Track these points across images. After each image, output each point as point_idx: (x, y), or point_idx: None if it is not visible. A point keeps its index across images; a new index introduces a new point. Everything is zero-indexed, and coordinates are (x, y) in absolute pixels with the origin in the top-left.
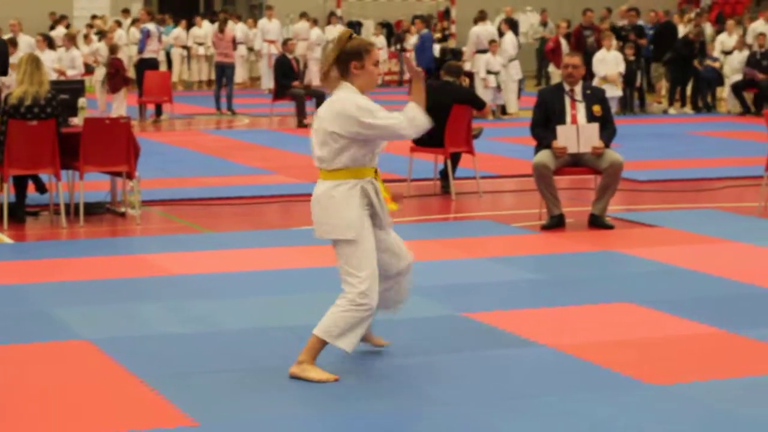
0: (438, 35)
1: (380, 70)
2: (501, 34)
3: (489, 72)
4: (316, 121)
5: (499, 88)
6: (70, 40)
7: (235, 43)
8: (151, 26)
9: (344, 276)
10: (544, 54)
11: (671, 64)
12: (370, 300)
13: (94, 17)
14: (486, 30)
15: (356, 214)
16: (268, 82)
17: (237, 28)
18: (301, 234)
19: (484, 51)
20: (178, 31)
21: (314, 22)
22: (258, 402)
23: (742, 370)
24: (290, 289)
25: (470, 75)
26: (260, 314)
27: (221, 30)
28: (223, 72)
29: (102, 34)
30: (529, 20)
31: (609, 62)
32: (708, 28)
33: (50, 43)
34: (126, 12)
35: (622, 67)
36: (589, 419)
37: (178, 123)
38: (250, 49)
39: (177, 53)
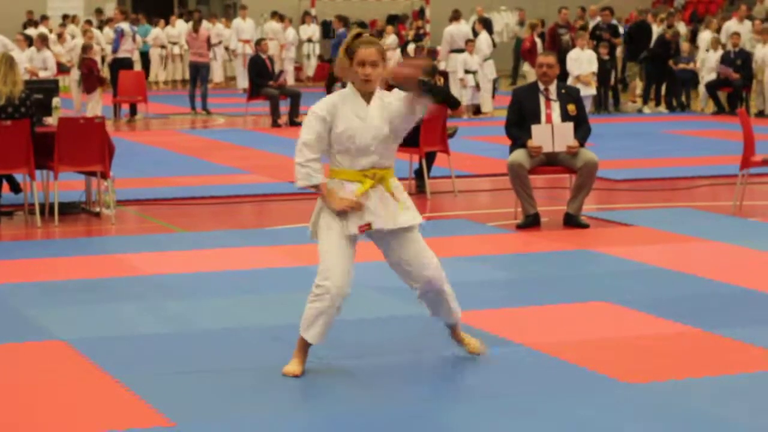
0: (412, 34)
1: (367, 71)
2: (475, 33)
3: (467, 71)
4: None
5: (477, 87)
6: (42, 41)
7: (209, 43)
8: (125, 26)
9: None
10: (521, 53)
11: (647, 63)
12: (324, 290)
13: (65, 17)
14: (460, 29)
15: (316, 215)
16: (243, 81)
17: (215, 28)
18: (276, 233)
19: (458, 50)
20: (157, 31)
21: (289, 22)
22: (234, 402)
23: (718, 369)
24: (265, 288)
25: (445, 74)
26: (236, 314)
27: (195, 30)
28: (198, 71)
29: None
30: (503, 20)
31: (583, 61)
32: (682, 28)
33: (30, 43)
34: (99, 12)
35: (595, 67)
36: (565, 418)
37: (153, 123)
38: (226, 49)
39: (156, 53)
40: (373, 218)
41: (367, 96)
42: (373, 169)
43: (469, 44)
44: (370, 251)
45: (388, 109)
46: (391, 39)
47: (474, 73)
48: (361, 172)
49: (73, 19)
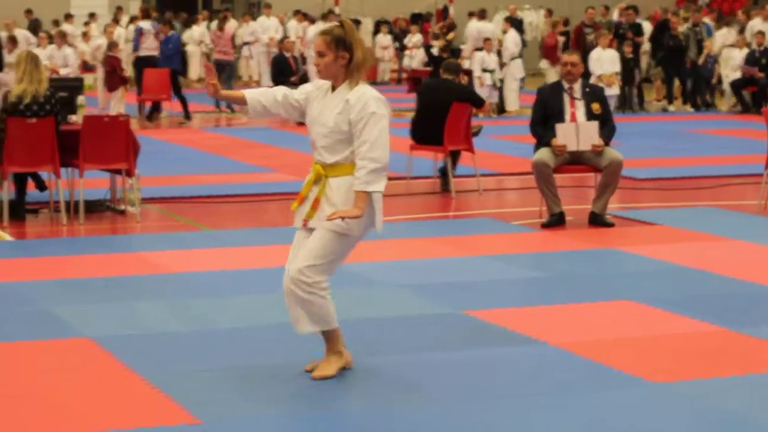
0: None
1: (316, 61)
2: (504, 32)
3: (484, 70)
4: None
5: (494, 85)
6: (62, 37)
7: (234, 41)
8: (145, 24)
9: None
10: (541, 50)
11: (664, 61)
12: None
13: (92, 15)
14: (485, 27)
15: None
16: (267, 80)
17: (248, 27)
18: None
19: (480, 49)
20: (203, 30)
21: (312, 21)
22: (260, 399)
23: (744, 368)
24: None
25: (469, 73)
26: (260, 312)
27: (220, 28)
28: (222, 70)
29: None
30: (528, 18)
31: (605, 61)
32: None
33: (51, 41)
34: (120, 10)
35: (618, 67)
36: (589, 417)
37: (177, 121)
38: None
39: (198, 51)
40: (309, 214)
41: (334, 88)
42: (319, 163)
43: (487, 42)
44: (398, 250)
45: (348, 116)
46: (416, 38)
47: (491, 71)
48: (315, 162)
49: (93, 17)
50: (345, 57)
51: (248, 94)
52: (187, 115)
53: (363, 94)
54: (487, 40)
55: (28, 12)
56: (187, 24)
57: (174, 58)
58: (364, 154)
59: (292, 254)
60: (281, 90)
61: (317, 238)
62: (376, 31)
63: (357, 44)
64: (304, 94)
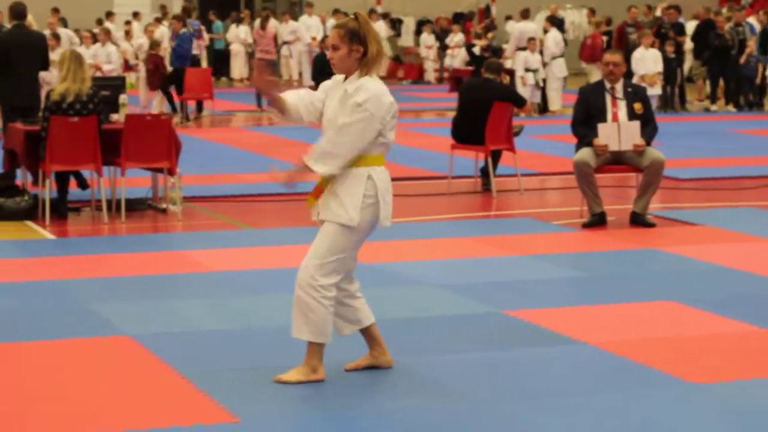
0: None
1: (330, 55)
2: (545, 31)
3: (527, 69)
4: None
5: (537, 85)
6: (106, 34)
7: (276, 40)
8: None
9: None
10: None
11: (709, 61)
12: None
13: (136, 14)
14: (528, 27)
15: None
16: (308, 79)
17: (288, 26)
18: None
19: (525, 48)
20: (245, 29)
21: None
22: (297, 398)
23: None
24: None
25: (511, 72)
26: None
27: (263, 27)
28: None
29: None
30: (570, 17)
31: (648, 61)
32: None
33: (95, 40)
34: (164, 9)
35: (660, 67)
36: (629, 417)
37: (218, 119)
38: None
39: (242, 51)
40: (320, 207)
41: (345, 81)
42: None
43: (531, 42)
44: (439, 250)
45: (344, 105)
46: (458, 37)
47: (535, 71)
48: None
49: (137, 16)
50: (359, 50)
51: (289, 99)
52: (174, 108)
53: (362, 85)
54: (531, 39)
55: (55, 11)
56: (237, 22)
57: (184, 58)
58: (330, 136)
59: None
60: (312, 95)
61: (323, 234)
62: (419, 31)
63: (371, 38)
64: (324, 92)
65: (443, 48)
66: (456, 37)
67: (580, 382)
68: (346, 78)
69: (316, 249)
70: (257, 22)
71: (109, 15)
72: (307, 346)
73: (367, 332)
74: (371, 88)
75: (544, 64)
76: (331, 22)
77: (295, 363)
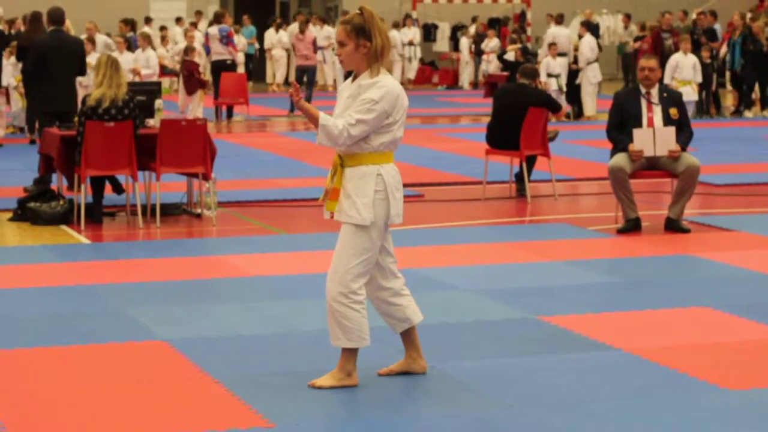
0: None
1: (337, 51)
2: (579, 37)
3: (549, 75)
4: None
5: (560, 90)
6: (146, 40)
7: (315, 46)
8: (212, 29)
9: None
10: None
11: (745, 66)
12: None
13: (178, 20)
14: (562, 32)
15: None
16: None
17: (323, 30)
18: None
19: (561, 54)
20: (284, 34)
21: (393, 25)
22: (333, 403)
23: None
24: None
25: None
26: None
27: (302, 31)
28: (304, 74)
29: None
30: (605, 23)
31: (685, 67)
32: None
33: (129, 45)
34: (199, 14)
35: (699, 76)
36: (664, 424)
37: (253, 125)
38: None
39: (282, 55)
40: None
41: (356, 77)
42: (337, 153)
43: (552, 47)
44: (473, 255)
45: (356, 99)
46: (493, 43)
47: (557, 76)
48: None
49: (180, 21)
50: (366, 46)
51: (322, 120)
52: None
53: (378, 82)
54: (551, 45)
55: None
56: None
57: None
58: (345, 123)
59: None
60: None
61: (340, 241)
62: (453, 36)
63: (377, 31)
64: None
65: (479, 53)
66: (491, 43)
67: (613, 388)
68: (355, 76)
69: (340, 257)
70: (294, 26)
71: (148, 20)
72: (342, 351)
73: (407, 334)
74: (387, 84)
75: (578, 70)
76: None
77: (330, 367)
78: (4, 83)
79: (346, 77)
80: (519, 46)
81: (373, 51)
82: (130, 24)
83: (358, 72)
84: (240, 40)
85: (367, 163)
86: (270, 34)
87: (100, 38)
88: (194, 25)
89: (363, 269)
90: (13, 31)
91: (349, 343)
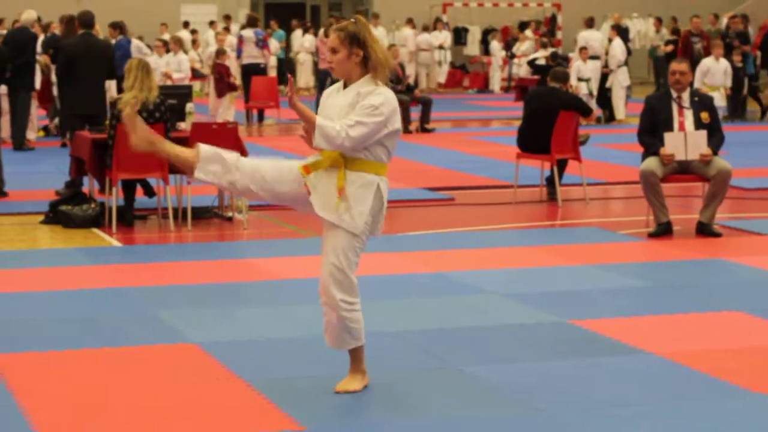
0: (544, 40)
1: (329, 58)
2: (609, 40)
3: (580, 79)
4: None
5: (591, 94)
6: (177, 43)
7: None
8: (246, 32)
9: None
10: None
11: None
12: None
13: (212, 23)
14: (594, 36)
15: None
16: None
17: None
18: (406, 239)
19: (593, 57)
20: (310, 38)
21: (423, 29)
22: (363, 406)
23: None
24: (395, 294)
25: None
26: (366, 319)
27: (326, 35)
28: (327, 77)
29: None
30: (635, 26)
31: (716, 72)
32: None
33: (167, 48)
34: (228, 18)
35: (729, 81)
36: (695, 428)
37: (284, 128)
38: None
39: (309, 59)
40: (314, 192)
41: (347, 85)
42: (335, 151)
43: (583, 52)
44: (504, 258)
45: (356, 108)
46: (525, 45)
47: (587, 80)
48: (328, 152)
49: (213, 24)
50: (359, 54)
51: (318, 121)
52: None
53: (377, 90)
54: (582, 49)
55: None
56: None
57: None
58: (343, 122)
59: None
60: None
61: (331, 243)
62: (484, 40)
63: (374, 43)
64: (324, 110)
65: (511, 57)
66: (522, 46)
67: (645, 392)
68: (345, 84)
69: (335, 261)
70: (321, 30)
71: (186, 24)
72: (352, 354)
73: None
74: (386, 93)
75: (609, 73)
76: (406, 31)
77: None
78: (37, 86)
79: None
80: (549, 50)
81: (373, 62)
82: (118, 27)
83: (349, 80)
84: (272, 44)
85: (369, 172)
86: (296, 38)
87: (133, 42)
88: (227, 29)
89: (353, 273)
90: (48, 34)
91: (357, 342)
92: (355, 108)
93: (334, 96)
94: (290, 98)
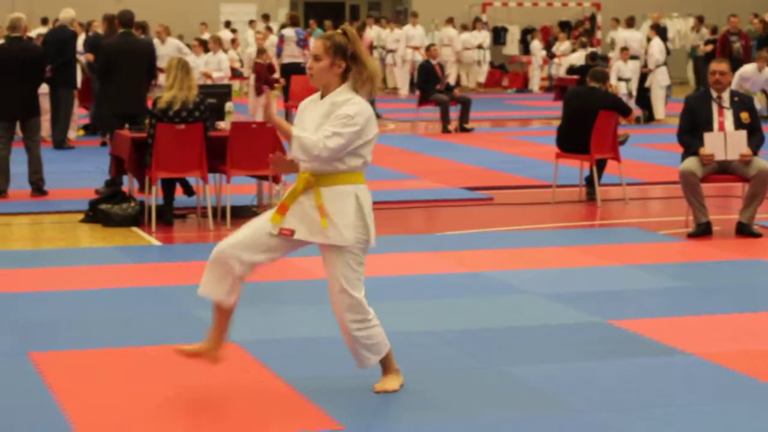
0: (584, 40)
1: (309, 64)
2: (648, 40)
3: (620, 79)
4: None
5: (630, 95)
6: (216, 42)
7: (372, 48)
8: (287, 31)
9: None
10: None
11: None
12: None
13: (251, 22)
14: (634, 36)
15: None
16: (406, 88)
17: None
18: (445, 239)
19: (633, 57)
20: None
21: (461, 28)
22: (402, 406)
23: None
24: (433, 294)
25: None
26: (404, 319)
27: (360, 35)
28: None
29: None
30: (675, 26)
31: (757, 82)
32: None
33: (205, 48)
34: (266, 17)
35: None
36: (734, 429)
37: None
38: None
39: None
40: (296, 226)
41: (324, 95)
42: (306, 172)
43: (624, 52)
44: (543, 259)
45: (331, 118)
46: (564, 46)
47: (627, 80)
48: (300, 173)
49: (252, 24)
50: (341, 66)
51: (295, 132)
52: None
53: (352, 99)
54: (623, 49)
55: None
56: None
57: None
58: (321, 135)
59: (242, 233)
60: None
61: (331, 267)
62: (523, 39)
63: (366, 57)
64: (301, 109)
65: (551, 57)
66: (562, 46)
67: (684, 393)
68: (323, 94)
69: (339, 283)
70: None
71: (228, 24)
72: (381, 360)
73: (222, 317)
74: (361, 103)
75: (648, 73)
76: (449, 30)
77: (403, 369)
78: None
79: (421, 84)
80: (589, 50)
81: (364, 77)
82: (141, 27)
83: (326, 90)
84: (312, 43)
85: (344, 183)
86: None
87: (172, 41)
88: (269, 29)
89: (362, 283)
90: (91, 33)
91: (378, 357)
92: (330, 117)
93: (310, 107)
94: (267, 110)
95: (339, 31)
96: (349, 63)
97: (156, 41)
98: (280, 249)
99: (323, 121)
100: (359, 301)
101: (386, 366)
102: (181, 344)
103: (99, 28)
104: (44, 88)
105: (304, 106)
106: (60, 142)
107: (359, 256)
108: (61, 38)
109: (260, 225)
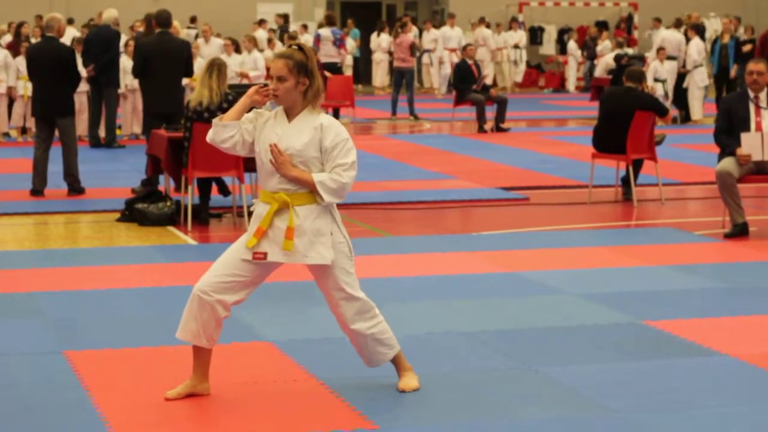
0: (621, 40)
1: (274, 86)
2: (687, 40)
3: (656, 80)
4: None
5: (666, 95)
6: (252, 42)
7: (412, 49)
8: (324, 31)
9: None
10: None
11: None
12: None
13: (286, 22)
14: (673, 36)
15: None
16: (443, 88)
17: (427, 35)
18: (480, 239)
19: (671, 57)
20: (386, 37)
21: (497, 27)
22: (435, 406)
23: None
24: (469, 293)
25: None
26: (439, 319)
27: (397, 35)
28: (402, 77)
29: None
30: (713, 26)
31: None
32: None
33: (237, 47)
34: (287, 20)
35: None
36: None
37: (358, 127)
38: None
39: (384, 59)
40: (269, 248)
41: (290, 114)
42: (280, 192)
43: (660, 52)
44: (579, 259)
45: (321, 141)
46: (602, 45)
47: (663, 81)
48: (270, 193)
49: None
50: (305, 83)
51: (326, 182)
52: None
53: (326, 119)
54: (660, 49)
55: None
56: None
57: None
58: (340, 171)
59: (216, 268)
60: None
61: (324, 287)
62: (560, 39)
63: (316, 71)
64: (251, 125)
65: (591, 57)
66: (600, 45)
67: (720, 394)
68: (288, 113)
69: (339, 300)
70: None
71: (262, 22)
72: (393, 360)
73: (205, 354)
74: (334, 120)
75: (686, 73)
76: (484, 30)
77: (432, 370)
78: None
79: (458, 84)
80: (625, 51)
81: (314, 90)
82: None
83: (293, 110)
84: (348, 43)
85: (317, 201)
86: (373, 38)
87: (216, 41)
88: (305, 26)
89: (358, 283)
90: (134, 33)
91: (393, 350)
92: (324, 145)
93: (275, 127)
94: (282, 166)
95: (295, 47)
96: (309, 79)
97: (200, 40)
98: (260, 277)
99: (311, 149)
100: (365, 300)
101: (400, 365)
102: (168, 390)
103: (141, 28)
104: (82, 87)
105: (264, 122)
106: (110, 141)
107: (348, 262)
108: (105, 37)
109: (235, 253)
